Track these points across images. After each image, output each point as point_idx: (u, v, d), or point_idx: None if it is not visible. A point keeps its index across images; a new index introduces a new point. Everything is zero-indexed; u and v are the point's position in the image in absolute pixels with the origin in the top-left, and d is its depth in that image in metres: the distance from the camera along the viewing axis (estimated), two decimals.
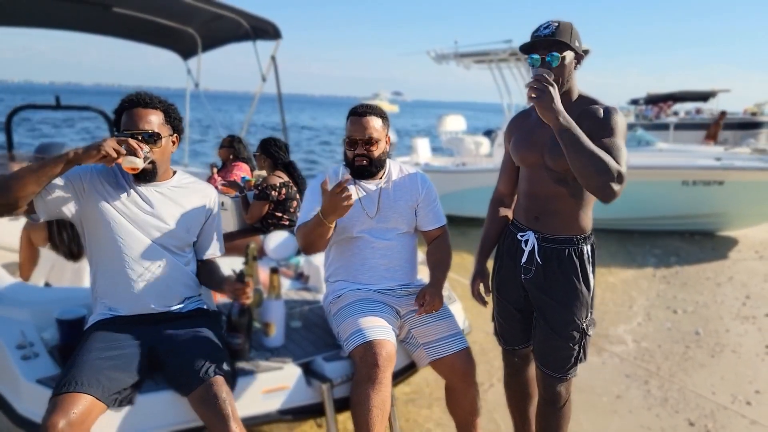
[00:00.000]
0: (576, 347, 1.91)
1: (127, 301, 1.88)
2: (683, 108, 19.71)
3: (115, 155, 1.65)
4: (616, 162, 1.66)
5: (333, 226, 1.95)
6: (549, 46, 1.74)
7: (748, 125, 15.74)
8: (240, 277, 1.93)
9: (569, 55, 1.77)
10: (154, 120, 1.84)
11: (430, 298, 2.02)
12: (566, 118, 1.66)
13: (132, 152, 1.70)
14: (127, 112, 1.84)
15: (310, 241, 2.03)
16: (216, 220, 2.09)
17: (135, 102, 1.85)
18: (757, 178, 6.51)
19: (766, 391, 3.17)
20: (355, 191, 2.15)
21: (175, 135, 1.93)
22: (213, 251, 2.09)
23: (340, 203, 1.84)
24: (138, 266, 1.86)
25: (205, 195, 2.04)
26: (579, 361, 1.94)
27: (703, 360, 3.61)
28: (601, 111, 1.78)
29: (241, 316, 1.94)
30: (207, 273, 2.06)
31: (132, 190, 1.88)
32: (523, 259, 1.92)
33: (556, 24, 1.76)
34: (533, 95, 1.67)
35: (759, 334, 4.05)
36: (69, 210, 1.81)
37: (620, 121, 1.76)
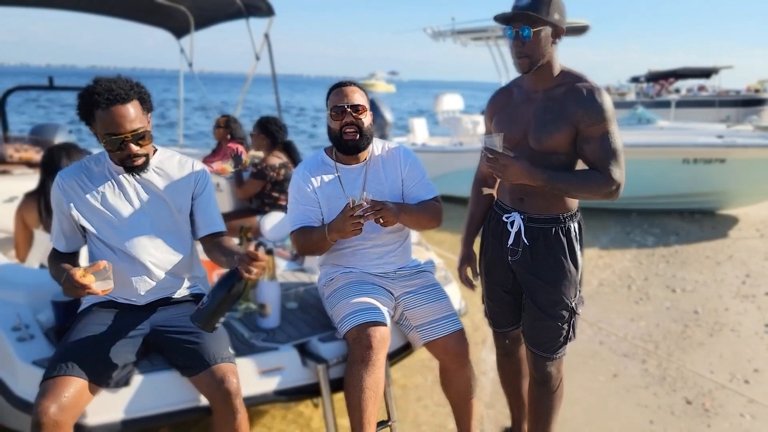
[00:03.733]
0: (565, 326, 1.90)
1: (125, 291, 1.84)
2: (685, 85, 19.54)
3: (89, 291, 1.57)
4: (611, 166, 1.71)
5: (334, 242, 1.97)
6: (523, 20, 1.69)
7: (750, 102, 15.62)
8: (257, 247, 1.77)
9: (545, 30, 1.70)
10: (136, 113, 1.69)
11: (383, 208, 1.85)
12: (541, 175, 1.70)
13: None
14: (105, 112, 1.65)
15: (308, 250, 2.08)
16: (207, 193, 1.96)
17: (112, 99, 1.64)
18: (759, 155, 6.45)
19: (765, 370, 3.18)
20: (337, 178, 2.07)
21: (149, 115, 1.81)
22: (213, 227, 1.96)
23: (350, 228, 1.85)
24: (135, 258, 1.82)
25: (189, 169, 1.92)
26: (568, 340, 1.93)
27: (701, 339, 3.61)
28: (586, 93, 1.72)
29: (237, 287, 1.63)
30: (216, 247, 1.90)
31: (118, 180, 1.83)
32: (510, 241, 1.89)
33: None
34: (497, 175, 1.73)
35: (758, 313, 4.05)
36: (81, 226, 1.83)
37: (607, 104, 1.72)
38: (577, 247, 1.88)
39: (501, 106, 1.92)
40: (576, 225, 1.88)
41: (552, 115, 1.75)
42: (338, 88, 2.03)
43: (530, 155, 1.78)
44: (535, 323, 1.92)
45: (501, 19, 1.74)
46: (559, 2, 1.72)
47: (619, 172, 1.72)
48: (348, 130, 1.98)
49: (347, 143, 2.00)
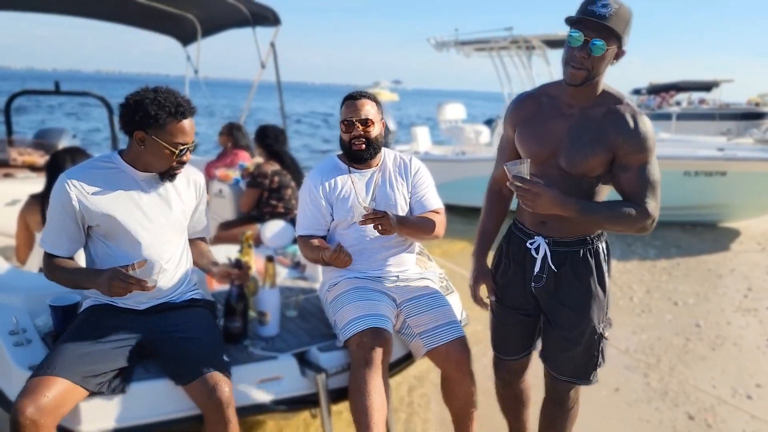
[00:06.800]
0: (595, 353, 1.80)
1: (128, 297, 1.80)
2: (686, 98, 19.60)
3: (145, 287, 1.62)
4: (647, 198, 1.60)
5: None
6: (598, 30, 1.49)
7: (751, 115, 15.66)
8: (238, 263, 1.93)
9: (613, 49, 1.54)
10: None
11: (384, 217, 1.89)
12: (574, 206, 1.58)
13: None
14: (181, 122, 1.74)
15: (310, 259, 2.17)
16: (204, 202, 2.06)
17: (190, 110, 1.76)
18: (760, 168, 6.45)
19: (767, 385, 3.15)
20: (350, 180, 2.14)
21: None
22: (201, 232, 2.09)
23: (342, 262, 1.97)
24: (145, 260, 1.79)
25: (193, 178, 1.99)
26: (599, 366, 1.83)
27: (703, 353, 3.59)
28: (629, 118, 1.60)
29: (238, 301, 1.96)
30: (197, 252, 2.06)
31: (130, 182, 1.82)
32: (536, 268, 1.75)
33: (617, 6, 1.50)
34: (526, 205, 1.59)
35: (760, 327, 4.03)
36: (88, 228, 1.82)
37: (650, 132, 1.61)
38: (605, 268, 1.76)
39: (528, 117, 1.74)
40: (604, 245, 1.77)
41: (590, 137, 1.62)
42: (350, 100, 2.11)
43: (558, 176, 1.66)
44: (561, 353, 1.81)
45: (573, 20, 1.54)
46: (631, 22, 1.55)
47: (654, 205, 1.61)
48: (356, 143, 2.07)
49: (355, 153, 2.10)
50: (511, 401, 2.13)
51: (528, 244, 1.78)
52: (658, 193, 1.63)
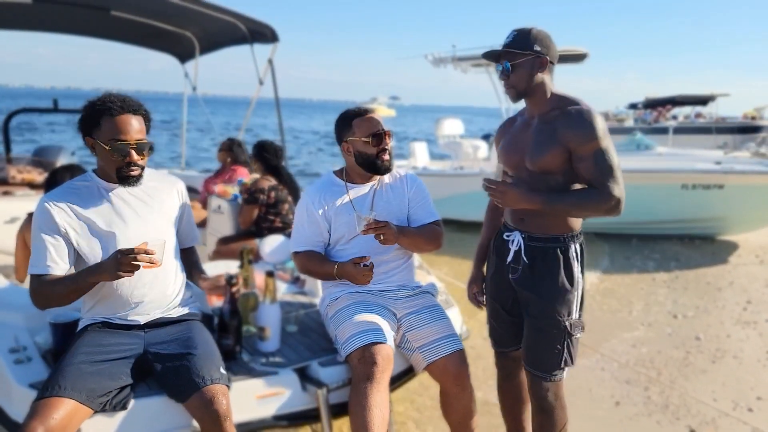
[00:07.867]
0: (559, 346, 1.88)
1: (123, 311, 1.83)
2: (682, 112, 19.73)
3: (153, 263, 1.61)
4: (607, 182, 1.75)
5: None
6: (504, 56, 1.83)
7: (747, 129, 15.78)
8: (229, 281, 1.93)
9: (527, 62, 1.79)
10: (141, 126, 1.77)
11: (386, 226, 1.93)
12: (539, 198, 1.77)
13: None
14: (114, 118, 1.72)
15: (311, 274, 2.19)
16: (188, 208, 2.06)
17: (125, 107, 1.74)
18: (757, 181, 6.49)
19: None
20: (347, 196, 2.15)
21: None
22: (190, 240, 2.09)
23: (361, 279, 1.94)
24: (134, 278, 1.77)
25: (174, 186, 1.99)
26: (565, 364, 1.91)
27: (704, 366, 3.58)
28: (575, 114, 1.78)
29: (231, 318, 1.96)
30: (188, 263, 2.06)
31: (110, 197, 1.82)
32: (509, 259, 1.94)
33: (515, 33, 1.81)
34: (497, 202, 1.83)
35: (760, 340, 4.03)
36: (73, 248, 1.78)
37: (597, 123, 1.75)
38: (575, 266, 1.89)
39: (505, 133, 2.04)
40: (577, 246, 1.91)
41: (544, 137, 1.82)
42: (366, 115, 2.12)
43: (528, 176, 1.87)
44: (530, 340, 1.93)
45: (489, 57, 1.87)
46: (541, 35, 1.81)
47: (616, 188, 1.75)
48: (383, 155, 2.10)
49: (382, 167, 2.11)
50: (511, 397, 2.20)
51: (505, 236, 1.97)
52: (618, 175, 1.77)
